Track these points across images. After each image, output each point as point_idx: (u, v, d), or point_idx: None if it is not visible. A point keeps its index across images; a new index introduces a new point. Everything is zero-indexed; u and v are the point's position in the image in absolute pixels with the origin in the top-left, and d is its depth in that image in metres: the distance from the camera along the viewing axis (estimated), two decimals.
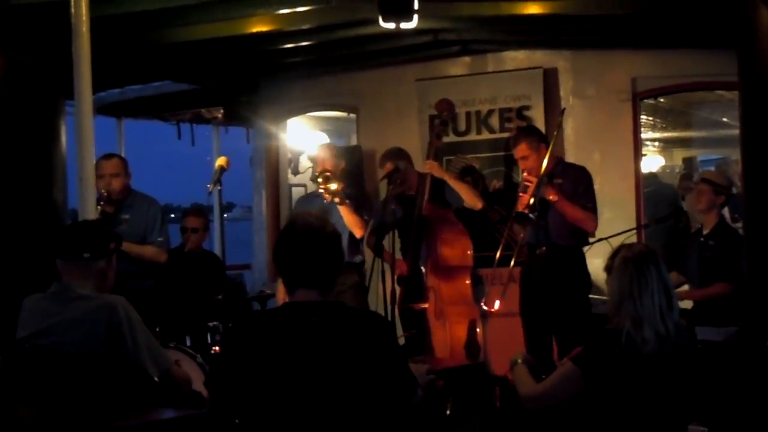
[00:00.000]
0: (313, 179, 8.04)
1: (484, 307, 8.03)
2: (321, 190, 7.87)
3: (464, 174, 9.55)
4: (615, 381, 4.22)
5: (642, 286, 4.22)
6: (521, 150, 7.58)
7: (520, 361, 4.71)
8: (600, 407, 4.26)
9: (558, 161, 7.69)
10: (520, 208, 7.44)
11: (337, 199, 7.81)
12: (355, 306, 7.72)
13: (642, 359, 4.17)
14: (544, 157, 7.43)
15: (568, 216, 7.37)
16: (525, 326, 7.73)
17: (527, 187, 7.42)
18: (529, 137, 7.65)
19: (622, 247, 4.51)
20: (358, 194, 8.41)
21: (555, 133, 7.64)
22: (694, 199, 8.11)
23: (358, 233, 8.08)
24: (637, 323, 4.19)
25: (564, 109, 7.76)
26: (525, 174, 7.56)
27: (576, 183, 7.52)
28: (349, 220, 7.96)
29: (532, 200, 7.32)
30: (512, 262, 7.83)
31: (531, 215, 7.30)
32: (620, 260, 4.33)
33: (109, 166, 7.58)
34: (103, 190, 7.39)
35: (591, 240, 7.55)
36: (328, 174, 7.83)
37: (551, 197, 7.33)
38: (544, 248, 7.54)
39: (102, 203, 7.33)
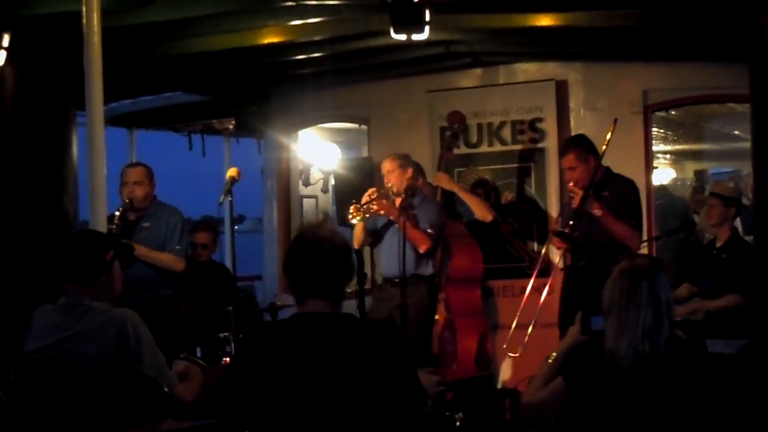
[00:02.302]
0: (359, 207, 7.84)
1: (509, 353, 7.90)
2: (357, 218, 7.77)
3: (476, 186, 9.53)
4: (593, 395, 4.17)
5: (630, 299, 4.14)
6: (569, 161, 7.41)
7: (550, 360, 4.60)
8: (584, 421, 4.21)
9: (606, 172, 7.48)
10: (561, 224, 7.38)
11: (392, 217, 7.76)
12: (414, 320, 7.64)
13: (619, 374, 4.11)
14: (592, 169, 7.27)
15: (612, 232, 7.20)
16: (562, 336, 7.61)
17: (572, 199, 7.29)
18: (578, 148, 7.45)
19: (625, 256, 4.46)
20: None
21: (604, 145, 7.42)
22: (706, 213, 8.06)
23: (421, 248, 7.82)
24: (618, 336, 4.13)
25: (616, 119, 7.54)
26: (570, 185, 7.40)
27: (622, 197, 7.38)
28: (411, 236, 7.74)
29: (572, 220, 7.16)
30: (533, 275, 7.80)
31: (573, 234, 7.20)
32: (617, 270, 4.29)
33: (133, 173, 7.56)
34: (126, 198, 7.41)
35: None
36: (369, 206, 7.76)
37: (596, 212, 7.15)
38: (584, 261, 7.40)
39: (120, 210, 7.35)
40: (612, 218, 7.19)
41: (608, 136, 7.35)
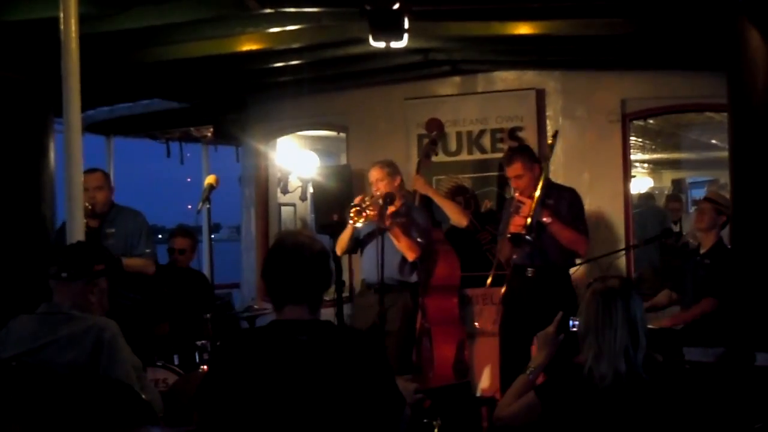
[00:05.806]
0: (359, 210, 7.73)
1: (477, 326, 8.02)
2: (361, 221, 7.70)
3: (455, 194, 9.54)
4: (570, 413, 4.18)
5: (606, 321, 4.16)
6: (516, 169, 7.57)
7: (528, 372, 4.59)
8: None
9: (546, 182, 7.64)
10: (513, 229, 7.42)
11: (387, 222, 7.70)
12: (399, 326, 7.67)
13: (597, 393, 4.12)
14: (537, 177, 7.47)
15: (561, 238, 7.40)
16: (502, 344, 7.74)
17: (519, 207, 7.40)
18: (524, 156, 7.65)
19: (598, 278, 4.48)
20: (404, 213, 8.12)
21: (548, 154, 7.60)
22: (696, 217, 8.09)
23: (410, 256, 7.86)
24: (598, 357, 4.15)
25: (557, 131, 7.75)
26: (517, 194, 7.54)
27: (569, 205, 7.60)
28: (401, 244, 7.79)
29: (529, 221, 7.31)
30: (505, 284, 7.81)
31: (528, 237, 7.28)
32: (590, 292, 4.30)
33: (93, 179, 7.47)
34: (87, 204, 7.30)
35: (578, 261, 7.58)
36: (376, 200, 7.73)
37: (545, 219, 7.36)
38: (533, 269, 7.52)
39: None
40: (560, 224, 7.44)
41: (550, 152, 7.55)
